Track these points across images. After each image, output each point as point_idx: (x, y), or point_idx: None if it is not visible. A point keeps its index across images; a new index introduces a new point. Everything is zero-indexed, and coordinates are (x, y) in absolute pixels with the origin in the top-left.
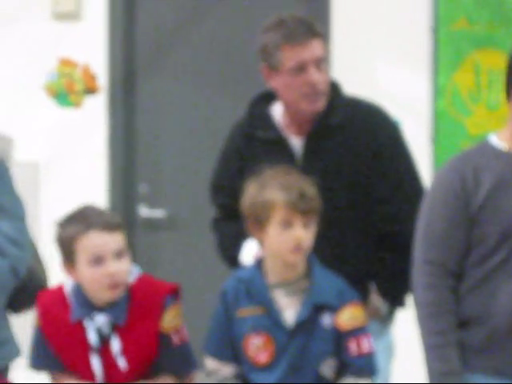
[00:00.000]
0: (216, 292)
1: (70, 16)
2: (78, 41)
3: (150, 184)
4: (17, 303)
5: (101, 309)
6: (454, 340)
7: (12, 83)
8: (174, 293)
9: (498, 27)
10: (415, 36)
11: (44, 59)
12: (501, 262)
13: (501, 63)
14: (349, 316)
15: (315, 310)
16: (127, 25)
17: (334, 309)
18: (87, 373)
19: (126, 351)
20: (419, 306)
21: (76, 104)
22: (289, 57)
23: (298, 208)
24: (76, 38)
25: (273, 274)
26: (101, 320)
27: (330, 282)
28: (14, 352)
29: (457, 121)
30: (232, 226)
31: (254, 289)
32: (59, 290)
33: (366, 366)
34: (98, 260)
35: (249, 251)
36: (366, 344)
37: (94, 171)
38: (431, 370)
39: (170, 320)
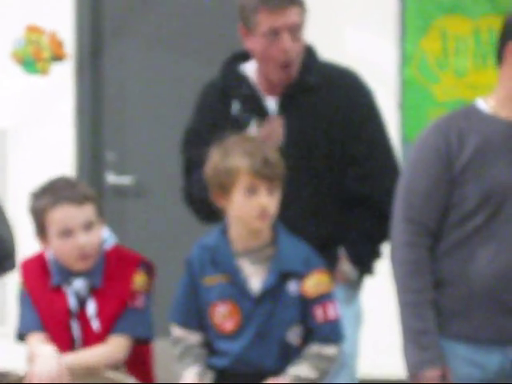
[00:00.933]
0: (183, 260)
1: None
2: (45, 8)
3: (118, 151)
4: None
5: (78, 274)
6: (431, 299)
7: None
8: (148, 266)
9: None
10: (383, 1)
11: (11, 26)
12: (480, 225)
13: (468, 29)
14: (315, 283)
15: (281, 277)
16: None
17: (300, 276)
18: (64, 337)
19: (100, 313)
20: (397, 263)
21: (43, 71)
22: (264, 21)
23: (263, 174)
24: (43, 5)
25: (238, 242)
26: (79, 284)
27: (295, 249)
28: None
29: (424, 88)
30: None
31: (220, 257)
32: (40, 257)
33: (332, 332)
34: (66, 232)
35: None
36: (332, 311)
37: (62, 139)
38: (406, 328)
39: (139, 281)
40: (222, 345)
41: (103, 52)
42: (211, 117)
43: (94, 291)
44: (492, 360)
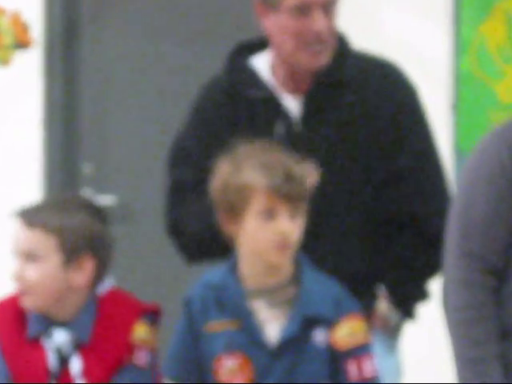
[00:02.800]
0: (177, 298)
1: None
2: None
3: (97, 163)
4: None
5: (61, 324)
6: (496, 353)
7: None
8: (152, 315)
9: None
10: None
11: None
12: None
13: None
14: (348, 332)
15: (305, 324)
16: None
17: (328, 322)
18: None
19: (87, 373)
20: (452, 309)
21: (4, 60)
22: None
23: (284, 193)
24: None
25: (251, 279)
26: (61, 337)
27: (323, 289)
28: None
29: (484, 84)
30: (200, 204)
31: (227, 297)
32: (13, 300)
33: None
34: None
35: None
36: (369, 367)
37: (27, 144)
38: None
39: (140, 333)
40: None
41: (78, 37)
42: (213, 126)
43: (80, 346)
44: None
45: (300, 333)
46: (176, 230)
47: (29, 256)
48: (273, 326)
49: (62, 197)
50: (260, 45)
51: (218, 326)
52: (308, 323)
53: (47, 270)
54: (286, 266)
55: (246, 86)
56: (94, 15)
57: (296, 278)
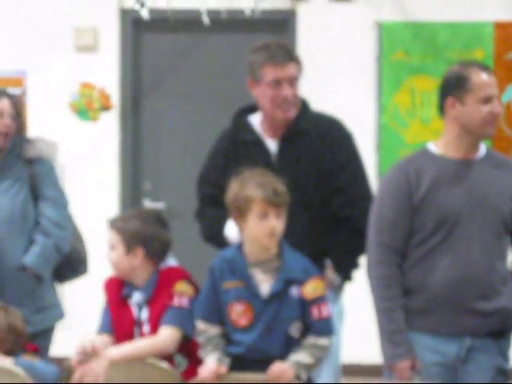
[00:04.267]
0: (203, 269)
1: (89, 48)
2: (96, 68)
3: (153, 182)
4: (62, 274)
5: (138, 288)
6: (401, 305)
7: (44, 102)
8: (192, 280)
9: (429, 58)
10: (364, 64)
11: (69, 84)
12: (437, 244)
13: (431, 87)
14: (312, 288)
15: (285, 284)
16: (135, 55)
17: (300, 282)
18: (126, 335)
19: (151, 319)
20: (372, 278)
21: (94, 119)
22: (268, 73)
23: (272, 202)
24: (94, 66)
25: (251, 255)
26: (137, 297)
27: (297, 261)
28: (60, 315)
29: (397, 132)
30: (215, 211)
31: (236, 266)
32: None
33: (326, 327)
34: None
35: (232, 227)
36: (326, 310)
37: (108, 173)
38: (382, 329)
39: (181, 287)
40: (237, 336)
41: (142, 103)
42: (222, 159)
43: (147, 301)
44: (451, 348)
45: (282, 289)
46: (199, 222)
47: (110, 246)
48: (265, 285)
49: (129, 210)
50: (256, 107)
51: (230, 284)
52: (287, 283)
53: (117, 255)
54: (273, 247)
55: (243, 133)
56: (153, 89)
57: (279, 255)
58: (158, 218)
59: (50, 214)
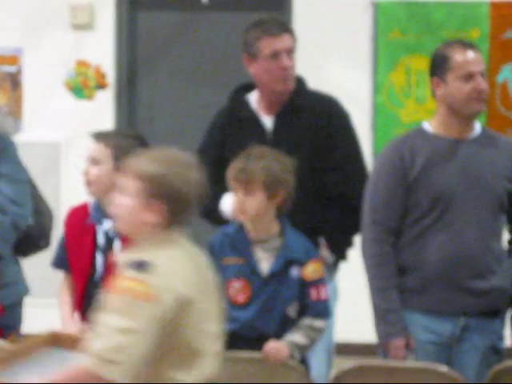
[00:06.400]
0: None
1: (85, 27)
2: (92, 47)
3: None
4: (23, 249)
5: (111, 217)
6: (395, 284)
7: (40, 80)
8: None
9: (424, 37)
10: (359, 44)
11: (65, 62)
12: (431, 223)
13: (427, 66)
14: (312, 269)
15: (286, 263)
16: (130, 33)
17: (301, 263)
18: (88, 268)
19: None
20: (367, 257)
21: (89, 97)
22: (265, 46)
23: (237, 179)
24: (90, 45)
25: (252, 233)
26: (108, 225)
27: (298, 241)
28: (24, 290)
29: (392, 112)
30: (212, 187)
31: (238, 242)
32: (84, 205)
33: (323, 309)
34: None
35: (228, 203)
36: (324, 292)
37: None
38: (376, 307)
39: None
40: (235, 313)
41: (137, 82)
42: (220, 136)
43: (120, 234)
44: (445, 327)
45: (282, 269)
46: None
47: (93, 160)
48: (265, 263)
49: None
50: (253, 86)
51: (231, 260)
52: (288, 263)
53: (102, 170)
54: (271, 224)
55: (240, 110)
56: (148, 67)
57: (281, 233)
58: (144, 140)
59: (6, 191)
